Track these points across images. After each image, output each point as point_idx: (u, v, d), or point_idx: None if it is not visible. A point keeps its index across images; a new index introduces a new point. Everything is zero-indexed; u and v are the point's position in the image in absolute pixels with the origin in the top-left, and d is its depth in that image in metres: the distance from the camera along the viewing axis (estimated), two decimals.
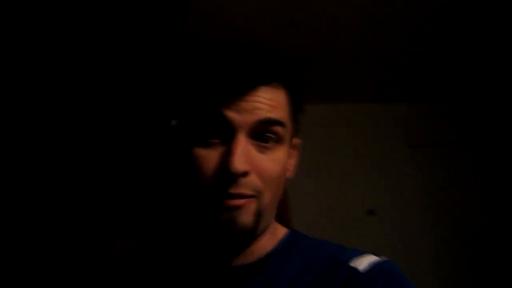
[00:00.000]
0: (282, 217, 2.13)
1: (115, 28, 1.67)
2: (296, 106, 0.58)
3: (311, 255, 0.57)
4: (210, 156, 0.51)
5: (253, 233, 0.54)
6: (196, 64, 0.57)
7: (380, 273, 0.52)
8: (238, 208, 0.51)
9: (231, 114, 0.51)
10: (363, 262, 0.53)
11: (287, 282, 0.54)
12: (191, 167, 0.52)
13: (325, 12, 1.77)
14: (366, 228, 2.46)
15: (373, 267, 0.53)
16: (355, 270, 0.53)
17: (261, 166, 0.52)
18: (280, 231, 0.62)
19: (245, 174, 0.50)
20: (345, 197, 2.51)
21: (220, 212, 0.51)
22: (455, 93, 2.81)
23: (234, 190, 0.50)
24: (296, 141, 0.61)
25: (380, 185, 2.58)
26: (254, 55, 0.55)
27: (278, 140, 0.54)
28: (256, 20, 1.79)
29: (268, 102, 0.52)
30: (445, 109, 2.90)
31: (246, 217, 0.51)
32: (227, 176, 0.50)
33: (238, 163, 0.49)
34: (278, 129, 0.53)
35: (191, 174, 0.53)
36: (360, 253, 0.56)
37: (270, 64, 0.55)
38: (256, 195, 0.52)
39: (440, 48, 2.21)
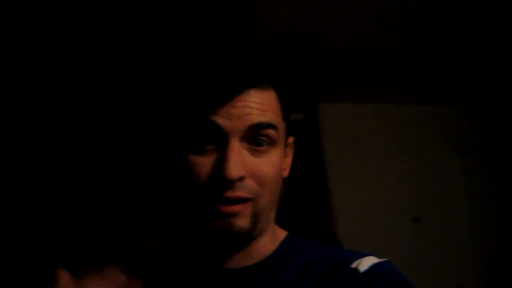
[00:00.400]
0: (328, 222, 2.14)
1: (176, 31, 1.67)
2: (287, 106, 0.58)
3: (312, 257, 0.57)
4: (205, 163, 0.52)
5: (249, 236, 0.54)
6: (186, 71, 0.57)
7: (380, 273, 0.52)
8: (234, 214, 0.51)
9: (222, 121, 0.51)
10: (364, 264, 0.54)
11: (288, 284, 0.54)
12: (187, 174, 0.53)
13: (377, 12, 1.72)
14: (410, 234, 2.42)
15: (373, 268, 0.53)
16: (355, 271, 0.53)
17: (256, 169, 0.52)
18: (280, 234, 0.62)
19: (241, 179, 0.51)
20: (390, 203, 2.47)
21: (216, 218, 0.52)
22: (505, 95, 2.67)
23: (230, 194, 0.51)
24: (291, 140, 0.61)
25: (425, 192, 2.52)
26: (240, 59, 0.55)
27: (272, 142, 0.54)
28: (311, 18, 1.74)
29: (258, 106, 0.52)
30: (497, 112, 2.77)
31: (242, 221, 0.52)
32: (222, 182, 0.50)
33: (233, 169, 0.49)
34: (271, 132, 0.53)
35: (187, 181, 0.53)
36: (360, 255, 0.56)
37: (256, 66, 0.55)
38: (253, 198, 0.52)
39: (490, 46, 2.10)
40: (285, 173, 0.60)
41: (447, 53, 2.11)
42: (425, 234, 2.43)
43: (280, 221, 0.63)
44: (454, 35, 1.95)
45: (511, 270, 2.49)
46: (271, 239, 0.60)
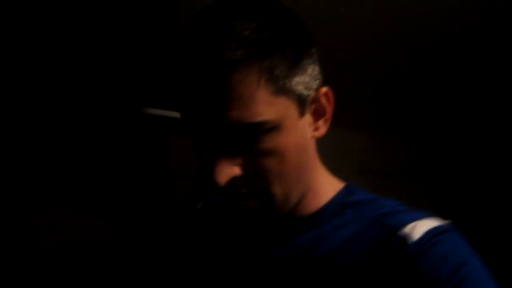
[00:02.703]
0: None
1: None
2: (285, 69, 0.46)
3: (363, 219, 0.52)
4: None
5: (272, 219, 0.51)
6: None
7: (435, 242, 0.45)
8: (245, 205, 0.50)
9: (204, 133, 0.47)
10: (418, 229, 0.47)
11: (334, 247, 0.51)
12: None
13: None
14: None
15: (427, 236, 0.46)
16: (407, 238, 0.47)
17: (252, 164, 0.47)
18: (331, 187, 0.58)
19: (235, 179, 0.47)
20: None
21: (239, 208, 0.51)
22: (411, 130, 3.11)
23: (234, 192, 0.49)
24: (321, 92, 0.52)
25: None
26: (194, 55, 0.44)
27: (268, 129, 0.46)
28: None
29: (235, 104, 0.44)
30: (398, 143, 3.21)
31: (261, 211, 0.50)
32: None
33: (219, 175, 0.46)
34: (256, 129, 0.45)
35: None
36: (418, 216, 0.50)
37: (215, 60, 0.43)
38: (258, 192, 0.49)
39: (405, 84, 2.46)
40: (319, 133, 0.54)
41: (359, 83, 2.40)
42: None
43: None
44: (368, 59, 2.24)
45: None
46: (314, 197, 0.56)
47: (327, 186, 0.58)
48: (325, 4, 1.76)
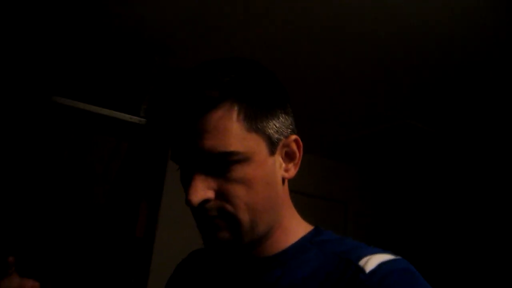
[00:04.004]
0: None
1: None
2: (257, 112, 0.55)
3: (327, 254, 0.56)
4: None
5: (238, 245, 0.56)
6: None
7: (386, 274, 0.49)
8: (216, 228, 0.55)
9: (182, 158, 0.55)
10: (372, 261, 0.51)
11: (296, 282, 0.54)
12: None
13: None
14: None
15: (380, 267, 0.50)
16: (361, 270, 0.50)
17: (223, 191, 0.53)
18: (300, 229, 0.62)
19: (206, 201, 0.53)
20: None
21: (205, 230, 0.57)
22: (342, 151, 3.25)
23: (206, 214, 0.54)
24: (290, 139, 0.59)
25: None
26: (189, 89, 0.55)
27: (239, 160, 0.53)
28: None
29: (211, 135, 0.52)
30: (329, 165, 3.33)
31: (223, 234, 0.55)
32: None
33: (193, 196, 0.52)
34: (228, 158, 0.52)
35: None
36: (374, 251, 0.53)
37: (198, 98, 0.53)
38: (227, 216, 0.54)
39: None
40: (288, 175, 0.60)
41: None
42: None
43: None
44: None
45: None
46: (284, 236, 0.60)
47: (297, 227, 0.62)
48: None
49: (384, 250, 0.54)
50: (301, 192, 3.08)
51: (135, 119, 1.89)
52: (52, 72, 2.05)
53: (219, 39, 1.87)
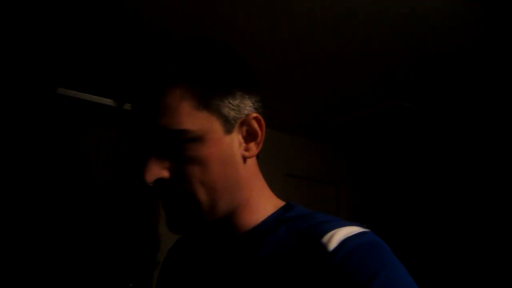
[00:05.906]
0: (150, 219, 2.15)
1: None
2: (209, 90, 0.54)
3: (291, 231, 0.55)
4: None
5: (199, 225, 0.56)
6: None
7: (350, 252, 0.47)
8: (174, 206, 0.55)
9: (140, 135, 0.55)
10: (336, 237, 0.49)
11: (262, 261, 0.54)
12: None
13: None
14: None
15: (344, 243, 0.48)
16: (324, 248, 0.49)
17: (179, 170, 0.53)
18: (269, 207, 0.61)
19: (161, 181, 0.53)
20: None
21: (165, 208, 0.57)
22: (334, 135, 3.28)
23: (164, 193, 0.55)
24: (251, 117, 0.58)
25: None
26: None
27: (192, 139, 0.53)
28: None
29: (164, 113, 0.52)
30: (321, 148, 3.35)
31: (182, 213, 0.55)
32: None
33: (147, 175, 0.52)
34: (180, 137, 0.52)
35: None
36: (340, 224, 0.52)
37: (155, 82, 0.53)
38: (185, 196, 0.54)
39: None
40: (249, 154, 0.58)
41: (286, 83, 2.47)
42: None
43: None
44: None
45: None
46: (251, 215, 0.59)
47: (266, 205, 0.61)
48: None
49: (351, 223, 0.53)
50: (293, 175, 3.11)
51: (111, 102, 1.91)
52: (57, 64, 2.03)
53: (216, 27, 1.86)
